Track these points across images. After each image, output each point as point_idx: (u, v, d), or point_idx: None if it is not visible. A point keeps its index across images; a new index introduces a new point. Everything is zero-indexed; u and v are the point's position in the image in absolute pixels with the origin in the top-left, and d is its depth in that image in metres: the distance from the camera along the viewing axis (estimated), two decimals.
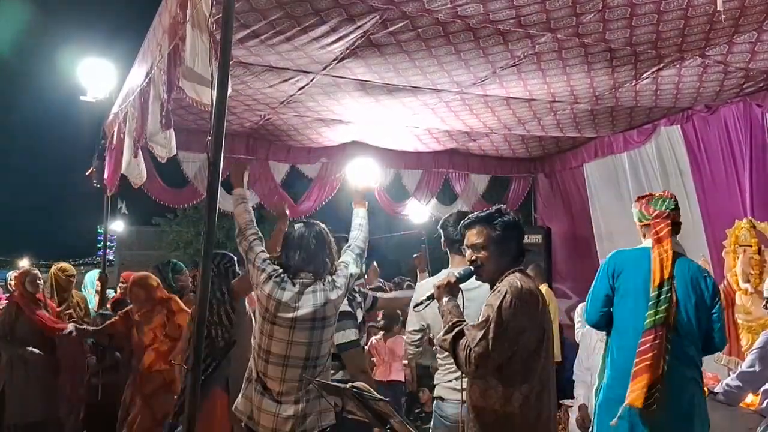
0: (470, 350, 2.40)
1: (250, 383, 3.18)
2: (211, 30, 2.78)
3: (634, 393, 2.83)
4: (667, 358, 2.86)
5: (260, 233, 3.27)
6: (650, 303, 2.95)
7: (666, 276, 2.97)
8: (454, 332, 2.48)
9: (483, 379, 2.52)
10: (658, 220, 3.17)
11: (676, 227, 3.20)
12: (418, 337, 3.42)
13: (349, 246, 3.45)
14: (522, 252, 2.70)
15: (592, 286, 3.26)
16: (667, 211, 3.19)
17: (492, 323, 2.41)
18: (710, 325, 3.06)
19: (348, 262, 3.33)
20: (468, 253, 2.69)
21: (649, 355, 2.85)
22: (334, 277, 3.21)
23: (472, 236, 2.67)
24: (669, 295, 2.94)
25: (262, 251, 3.20)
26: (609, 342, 3.16)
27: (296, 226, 3.31)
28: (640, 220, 3.28)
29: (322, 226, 3.32)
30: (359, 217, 3.58)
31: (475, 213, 2.76)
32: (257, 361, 3.15)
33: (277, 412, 3.05)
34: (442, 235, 3.52)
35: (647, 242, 3.20)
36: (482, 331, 2.41)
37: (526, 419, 2.49)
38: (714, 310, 3.07)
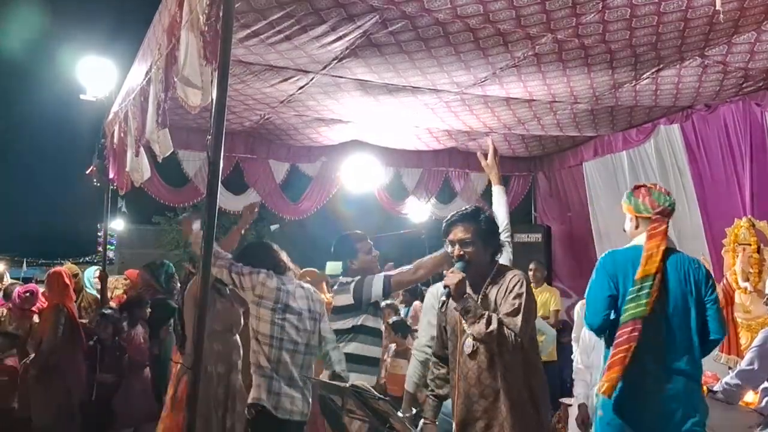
0: (515, 335, 2.60)
1: (262, 373, 3.40)
2: (203, 30, 2.78)
3: (607, 383, 2.82)
4: (637, 350, 2.81)
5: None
6: (630, 297, 2.88)
7: (652, 270, 2.91)
8: (495, 323, 2.59)
9: (510, 365, 2.70)
10: (659, 216, 3.08)
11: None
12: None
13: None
14: (499, 247, 2.91)
15: (589, 288, 3.11)
16: (670, 208, 3.13)
17: (524, 309, 2.65)
18: (705, 313, 3.02)
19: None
20: (456, 248, 2.79)
21: (625, 346, 2.82)
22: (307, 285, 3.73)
23: (459, 232, 2.80)
24: (650, 290, 2.88)
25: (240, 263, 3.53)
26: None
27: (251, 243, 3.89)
28: (639, 212, 3.13)
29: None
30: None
31: (459, 211, 2.91)
32: (269, 350, 3.38)
33: (295, 394, 3.38)
34: None
35: (639, 238, 3.11)
36: (520, 316, 2.63)
37: (545, 391, 2.81)
38: (707, 298, 3.05)
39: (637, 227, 3.16)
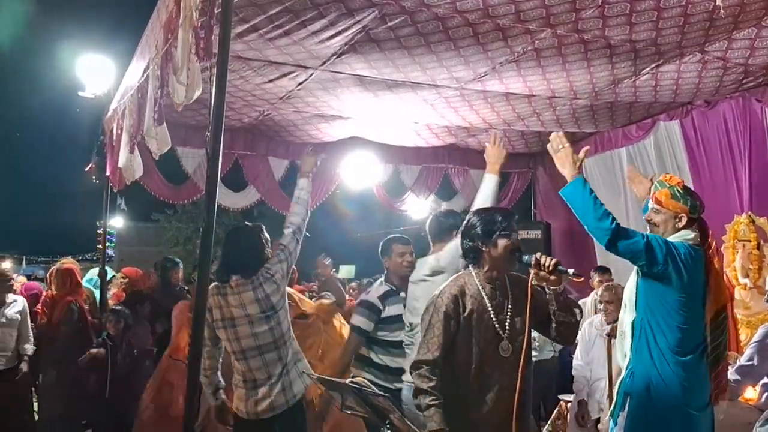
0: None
1: (238, 388, 3.40)
2: (196, 26, 2.76)
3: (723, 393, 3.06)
4: None
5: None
6: (717, 332, 2.97)
7: (724, 301, 2.97)
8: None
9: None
10: (702, 218, 2.99)
11: None
12: None
13: (284, 224, 3.56)
14: None
15: (663, 246, 2.85)
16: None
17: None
18: None
19: (285, 244, 3.47)
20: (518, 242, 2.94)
21: (727, 372, 3.11)
22: (267, 265, 3.37)
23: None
24: (726, 320, 2.99)
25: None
26: (663, 333, 2.88)
27: (233, 231, 3.57)
28: (694, 213, 2.97)
29: (250, 225, 3.53)
30: (297, 189, 3.64)
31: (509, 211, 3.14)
32: (239, 364, 3.36)
33: (267, 393, 3.32)
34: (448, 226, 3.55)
35: (684, 234, 2.97)
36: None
37: None
38: None
39: (684, 227, 3.00)
